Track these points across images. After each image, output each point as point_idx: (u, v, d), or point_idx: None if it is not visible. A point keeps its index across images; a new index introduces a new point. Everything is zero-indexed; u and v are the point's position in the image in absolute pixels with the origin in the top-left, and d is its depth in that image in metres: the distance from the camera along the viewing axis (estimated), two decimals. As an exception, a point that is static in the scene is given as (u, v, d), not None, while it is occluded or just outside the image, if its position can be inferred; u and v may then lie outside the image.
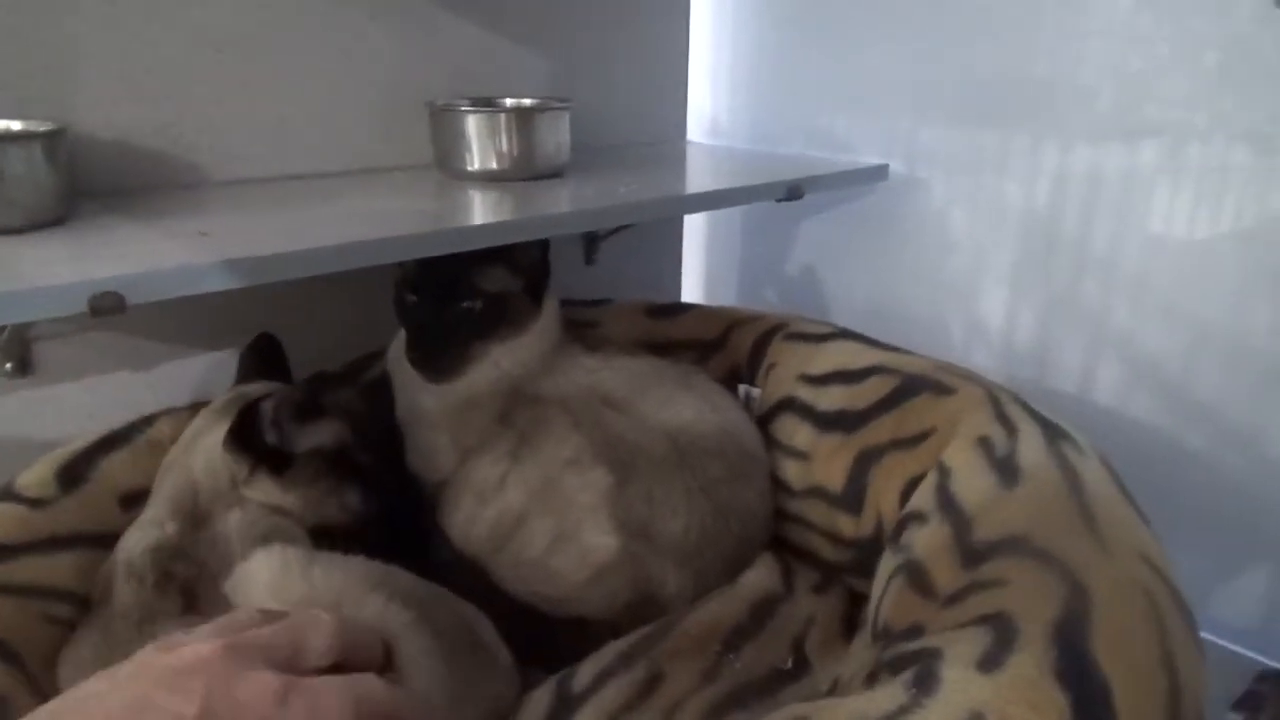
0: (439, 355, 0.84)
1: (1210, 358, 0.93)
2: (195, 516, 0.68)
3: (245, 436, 0.69)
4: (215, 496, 0.69)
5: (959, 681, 0.44)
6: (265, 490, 0.70)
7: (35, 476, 0.72)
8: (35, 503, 0.70)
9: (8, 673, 0.59)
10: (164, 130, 0.85)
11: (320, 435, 0.73)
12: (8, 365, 0.79)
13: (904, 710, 0.43)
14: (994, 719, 0.42)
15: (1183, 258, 0.92)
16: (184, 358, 0.90)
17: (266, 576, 0.62)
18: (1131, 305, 0.97)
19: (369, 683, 0.44)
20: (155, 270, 0.59)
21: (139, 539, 0.67)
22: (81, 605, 0.68)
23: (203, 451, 0.71)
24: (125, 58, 0.82)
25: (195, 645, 0.41)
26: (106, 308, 0.55)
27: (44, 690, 0.61)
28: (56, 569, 0.68)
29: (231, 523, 0.68)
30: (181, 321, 0.89)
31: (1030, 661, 0.45)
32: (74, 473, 0.73)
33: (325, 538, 0.70)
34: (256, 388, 0.77)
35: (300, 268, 0.65)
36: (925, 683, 0.45)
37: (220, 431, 0.70)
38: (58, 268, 0.60)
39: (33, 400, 0.82)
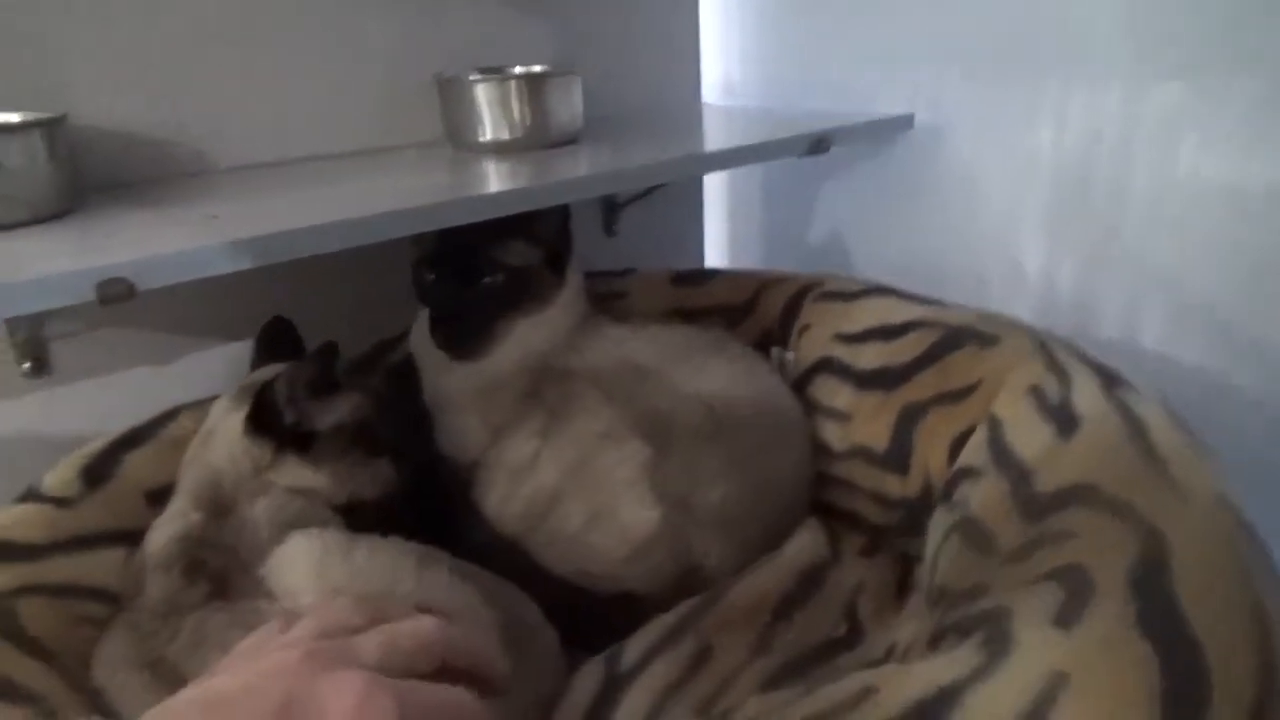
0: (463, 334, 0.81)
1: (1263, 296, 0.89)
2: (219, 506, 0.66)
3: (264, 420, 0.68)
4: (238, 485, 0.68)
5: (1036, 640, 0.42)
6: (291, 473, 0.68)
7: (59, 476, 0.70)
8: (61, 502, 0.69)
9: (47, 673, 0.58)
10: (166, 119, 0.83)
11: (340, 409, 0.71)
12: (25, 365, 0.78)
13: (979, 673, 0.40)
14: (1078, 677, 0.39)
15: (1230, 196, 0.88)
16: (202, 350, 0.89)
17: (306, 562, 0.61)
18: (1176, 246, 0.93)
19: (459, 695, 0.41)
20: (163, 254, 0.57)
21: (164, 531, 0.65)
22: (113, 603, 0.66)
23: (222, 443, 0.69)
24: (122, 46, 0.79)
25: (282, 653, 0.39)
26: (115, 295, 0.53)
27: (81, 688, 0.60)
28: (85, 568, 0.67)
29: (259, 509, 0.66)
30: (198, 313, 0.88)
31: (1111, 615, 0.42)
32: (97, 471, 0.71)
33: (357, 518, 0.69)
34: (270, 371, 0.75)
35: (312, 244, 0.63)
36: (999, 643, 0.42)
37: (237, 420, 0.69)
38: (63, 258, 0.58)
39: (52, 400, 0.81)
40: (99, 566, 0.67)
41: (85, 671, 0.62)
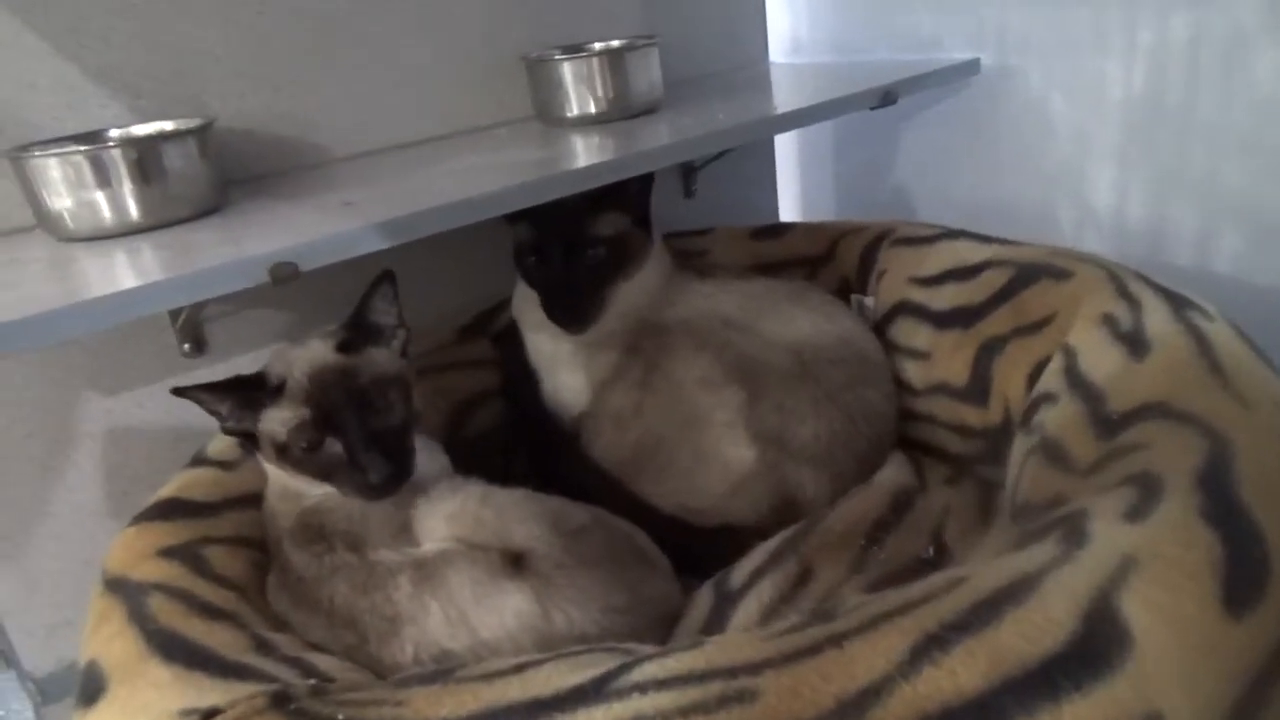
0: (578, 309, 0.88)
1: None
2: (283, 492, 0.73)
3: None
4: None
5: (1108, 532, 0.47)
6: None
7: (222, 443, 0.80)
8: (225, 465, 0.78)
9: (241, 601, 0.68)
10: (286, 116, 0.91)
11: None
12: (185, 346, 0.87)
13: (1057, 561, 0.46)
14: (1146, 559, 0.44)
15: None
16: (333, 322, 0.96)
17: (447, 509, 0.70)
18: (1245, 169, 0.94)
19: None
20: (319, 239, 0.65)
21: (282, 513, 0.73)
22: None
23: None
24: (242, 54, 0.88)
25: None
26: (284, 276, 0.62)
27: (264, 610, 0.70)
28: (251, 523, 0.76)
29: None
30: (327, 289, 0.95)
31: (1177, 508, 0.47)
32: (254, 438, 0.80)
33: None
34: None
35: (439, 223, 0.70)
36: (1075, 538, 0.47)
37: None
38: (232, 246, 0.67)
39: (210, 376, 0.89)
40: (260, 521, 0.76)
41: (264, 598, 0.72)
